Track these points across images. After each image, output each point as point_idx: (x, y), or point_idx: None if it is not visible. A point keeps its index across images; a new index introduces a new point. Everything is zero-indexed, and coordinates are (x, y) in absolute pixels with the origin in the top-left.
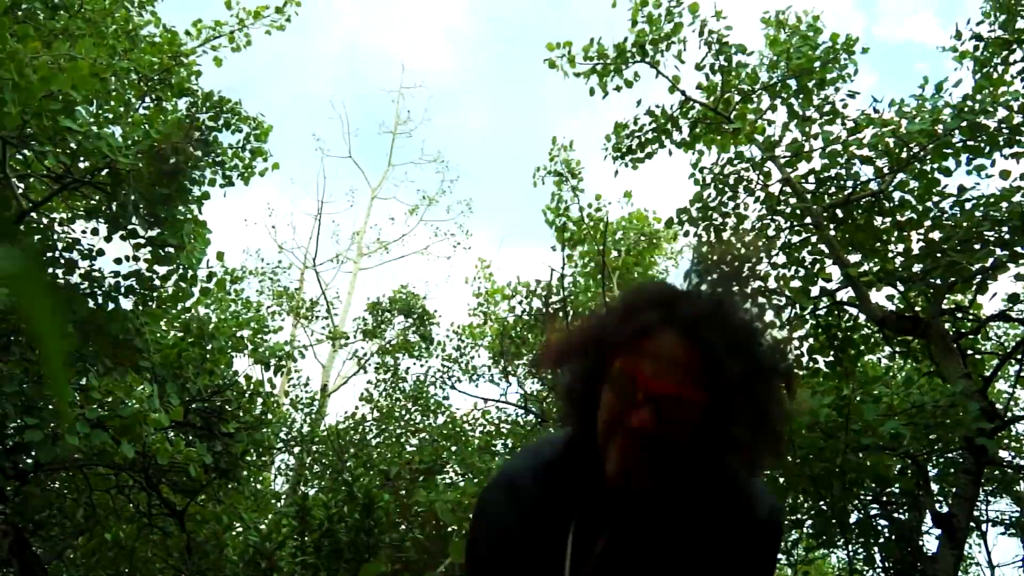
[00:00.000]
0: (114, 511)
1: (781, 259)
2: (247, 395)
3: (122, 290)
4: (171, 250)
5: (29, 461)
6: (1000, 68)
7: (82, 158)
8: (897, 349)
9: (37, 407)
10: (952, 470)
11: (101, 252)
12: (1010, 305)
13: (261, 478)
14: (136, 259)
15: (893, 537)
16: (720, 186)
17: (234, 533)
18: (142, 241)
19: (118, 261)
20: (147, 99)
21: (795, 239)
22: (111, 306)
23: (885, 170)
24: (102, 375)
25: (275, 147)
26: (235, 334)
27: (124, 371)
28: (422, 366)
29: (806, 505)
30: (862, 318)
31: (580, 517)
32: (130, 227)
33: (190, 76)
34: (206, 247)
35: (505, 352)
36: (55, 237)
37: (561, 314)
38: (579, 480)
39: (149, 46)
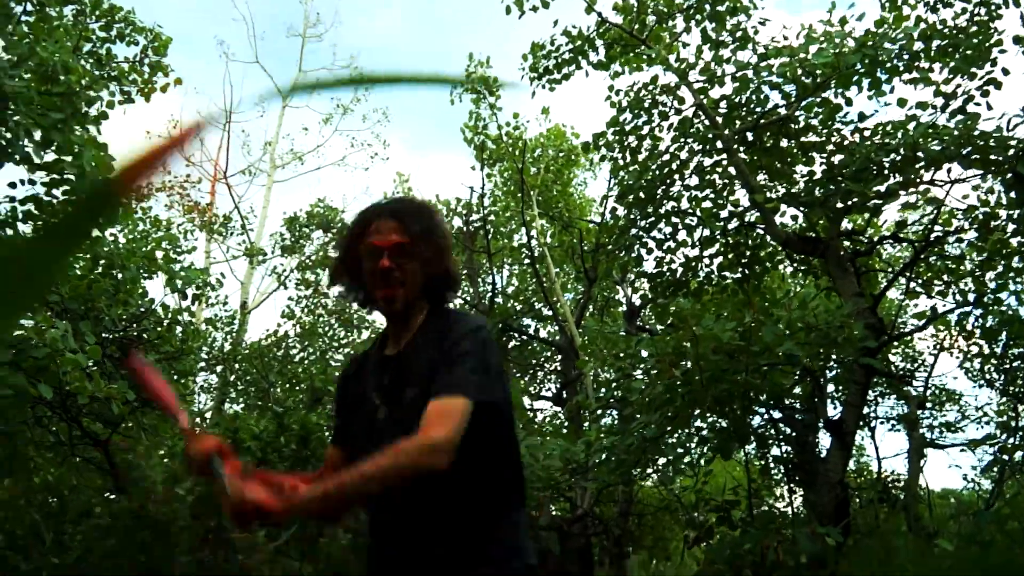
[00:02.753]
0: (33, 442)
1: (694, 181)
2: (165, 323)
3: (19, 215)
4: (71, 177)
5: None
6: None
7: None
8: (799, 267)
9: None
10: (846, 378)
11: None
12: (899, 230)
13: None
14: (32, 183)
15: (792, 438)
16: (636, 110)
17: (161, 459)
18: (37, 163)
19: (12, 185)
20: (27, 6)
21: (707, 162)
22: (8, 234)
23: (792, 96)
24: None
25: (175, 52)
26: (147, 257)
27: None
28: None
29: (709, 420)
30: (768, 238)
31: (379, 346)
32: (23, 153)
33: None
34: (109, 172)
35: None
36: None
37: (482, 232)
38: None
39: None
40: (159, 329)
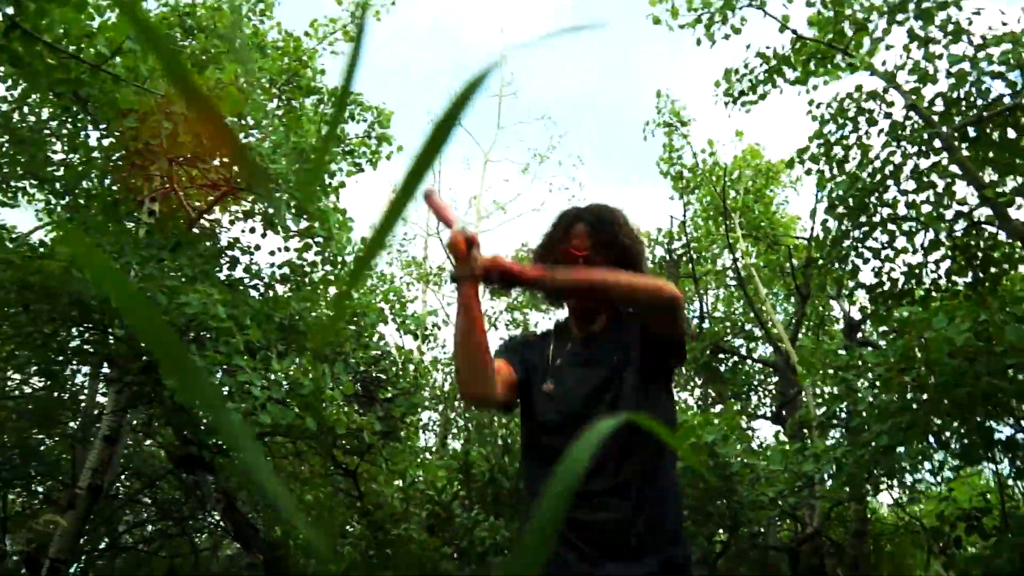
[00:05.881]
0: (293, 475)
1: (910, 185)
2: (400, 363)
3: (278, 278)
4: (321, 240)
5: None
6: None
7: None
8: None
9: (231, 392)
10: None
11: (258, 247)
12: None
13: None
14: (287, 249)
15: None
16: (840, 120)
17: (399, 486)
18: (292, 233)
19: (272, 253)
20: (277, 101)
21: (923, 164)
22: (270, 295)
23: (1019, 84)
24: (282, 359)
25: (395, 123)
26: (378, 308)
27: (297, 354)
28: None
29: (954, 425)
30: (1002, 235)
31: (559, 334)
32: (284, 224)
33: (315, 76)
34: (350, 233)
35: None
36: (219, 237)
37: (684, 259)
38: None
39: (275, 52)
40: (395, 368)
